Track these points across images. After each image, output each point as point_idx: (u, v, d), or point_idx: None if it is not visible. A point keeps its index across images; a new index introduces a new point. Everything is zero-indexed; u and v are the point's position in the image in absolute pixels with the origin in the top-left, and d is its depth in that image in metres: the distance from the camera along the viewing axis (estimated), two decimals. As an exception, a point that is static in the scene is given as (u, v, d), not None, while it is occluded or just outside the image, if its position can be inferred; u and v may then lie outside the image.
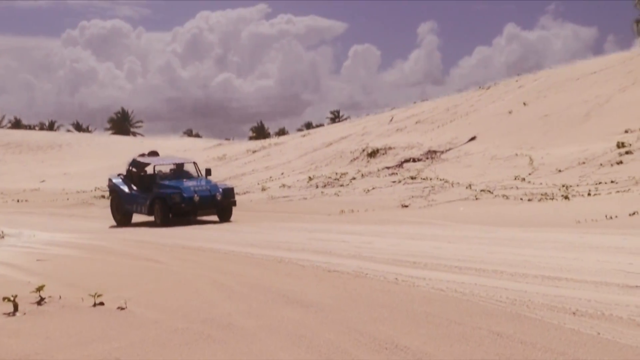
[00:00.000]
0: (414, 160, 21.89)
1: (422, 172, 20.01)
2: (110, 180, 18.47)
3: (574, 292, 6.20)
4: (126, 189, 17.73)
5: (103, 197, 23.90)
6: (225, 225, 15.75)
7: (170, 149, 40.79)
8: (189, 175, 17.63)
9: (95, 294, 6.63)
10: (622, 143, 18.05)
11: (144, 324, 5.87)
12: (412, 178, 19.25)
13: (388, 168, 21.57)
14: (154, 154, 18.92)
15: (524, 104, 25.76)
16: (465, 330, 5.14)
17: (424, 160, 21.83)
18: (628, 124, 19.54)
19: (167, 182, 16.99)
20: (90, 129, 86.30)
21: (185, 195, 16.25)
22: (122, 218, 17.75)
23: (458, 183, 17.63)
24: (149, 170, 17.96)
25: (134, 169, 18.09)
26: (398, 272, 7.48)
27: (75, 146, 54.22)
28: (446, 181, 18.09)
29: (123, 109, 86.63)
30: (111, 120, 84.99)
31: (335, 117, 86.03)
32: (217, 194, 16.46)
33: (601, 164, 17.11)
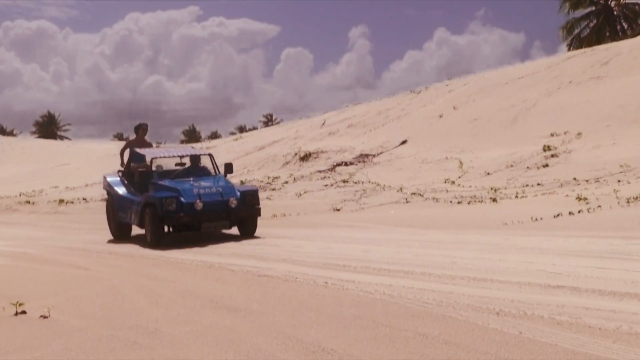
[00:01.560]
0: (346, 164, 22.02)
1: (354, 175, 20.13)
2: (105, 179, 13.90)
3: (498, 292, 6.32)
4: (121, 191, 13.10)
5: (28, 202, 23.25)
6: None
7: (99, 153, 40.03)
8: (203, 173, 12.68)
9: (17, 302, 6.46)
10: (548, 146, 18.51)
11: (67, 332, 5.75)
12: (344, 181, 19.35)
13: (320, 172, 21.62)
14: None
15: (454, 108, 26.19)
16: (391, 332, 5.19)
17: (356, 164, 21.96)
18: (554, 128, 20.05)
19: (166, 182, 12.09)
20: (15, 132, 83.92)
21: (183, 200, 11.39)
22: (117, 230, 13.28)
23: (389, 186, 17.80)
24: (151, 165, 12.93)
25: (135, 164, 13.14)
26: (328, 276, 7.50)
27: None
28: (378, 184, 18.24)
29: (49, 112, 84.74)
30: (37, 124, 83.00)
31: (268, 121, 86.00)
32: (232, 199, 11.58)
33: (528, 167, 17.51)
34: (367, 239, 10.65)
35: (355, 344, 4.93)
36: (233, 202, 11.57)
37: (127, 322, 5.99)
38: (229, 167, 12.79)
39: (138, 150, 13.29)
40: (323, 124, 31.34)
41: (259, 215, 12.05)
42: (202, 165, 13.10)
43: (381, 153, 22.89)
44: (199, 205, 11.38)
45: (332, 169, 21.74)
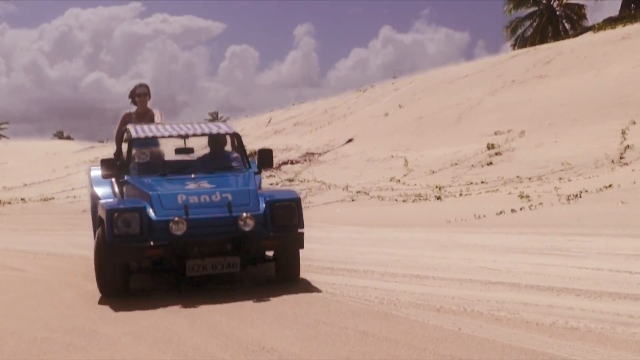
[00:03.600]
0: (292, 163, 21.98)
1: (300, 174, 20.11)
2: (89, 174, 8.93)
3: (439, 289, 6.35)
4: (102, 192, 8.23)
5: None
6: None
7: (38, 151, 39.18)
8: (224, 165, 7.73)
9: (-52, 305, 6.25)
10: (492, 145, 18.76)
11: (0, 335, 5.58)
12: (290, 180, 19.31)
13: (265, 170, 21.58)
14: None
15: (400, 106, 26.37)
16: (332, 330, 5.16)
17: (302, 162, 21.95)
18: (498, 126, 20.32)
19: (144, 181, 7.13)
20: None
21: (153, 215, 6.56)
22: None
23: (335, 185, 17.82)
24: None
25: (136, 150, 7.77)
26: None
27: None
28: (323, 183, 18.25)
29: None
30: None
31: (214, 119, 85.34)
32: (246, 214, 6.54)
33: (472, 165, 17.71)
34: (310, 237, 10.60)
35: (296, 342, 4.88)
36: (248, 221, 6.45)
37: (63, 324, 5.84)
38: (265, 156, 7.63)
39: (130, 127, 7.89)
40: (269, 122, 31.27)
41: (301, 245, 6.84)
42: (229, 152, 7.99)
43: (327, 152, 22.92)
44: (180, 226, 6.35)
45: (278, 167, 21.68)
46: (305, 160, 22.20)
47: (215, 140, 8.02)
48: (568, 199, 12.17)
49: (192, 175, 7.15)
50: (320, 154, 22.71)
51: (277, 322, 5.49)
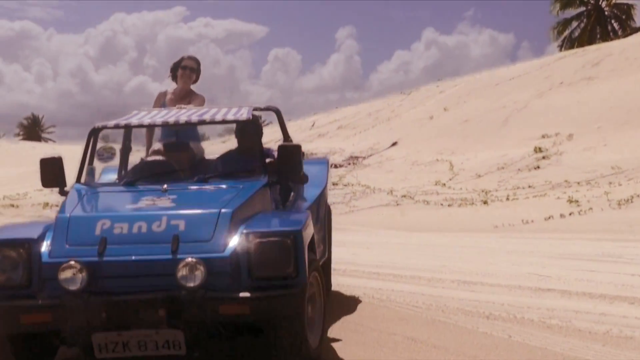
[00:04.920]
0: (335, 166, 21.95)
1: (344, 177, 20.06)
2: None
3: (488, 296, 6.27)
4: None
5: (12, 206, 23.11)
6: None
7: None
8: (233, 168, 5.20)
9: None
10: (539, 148, 18.51)
11: None
12: (334, 184, 19.27)
13: (311, 174, 21.59)
14: None
15: (445, 109, 26.19)
16: (380, 336, 5.12)
17: (346, 166, 21.91)
18: (545, 130, 20.05)
19: (95, 191, 4.93)
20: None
21: (47, 254, 4.10)
22: None
23: (380, 189, 17.74)
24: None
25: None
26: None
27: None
28: (368, 187, 18.18)
29: (33, 115, 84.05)
30: (21, 126, 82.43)
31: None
32: (191, 259, 3.94)
33: (519, 169, 17.49)
34: (356, 241, 10.58)
35: (344, 348, 4.85)
36: (193, 271, 3.96)
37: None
38: (286, 157, 5.00)
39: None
40: (312, 125, 31.31)
41: (298, 309, 4.14)
42: (255, 149, 5.25)
43: (371, 155, 22.85)
44: (75, 275, 3.98)
45: (323, 171, 21.68)
46: (350, 163, 22.16)
47: (239, 131, 5.62)
48: (619, 204, 11.94)
49: (164, 186, 4.61)
50: (364, 158, 22.65)
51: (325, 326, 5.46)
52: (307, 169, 5.68)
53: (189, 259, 3.93)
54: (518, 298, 6.09)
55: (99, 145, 5.21)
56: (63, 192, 5.04)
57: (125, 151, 5.85)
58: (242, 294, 3.98)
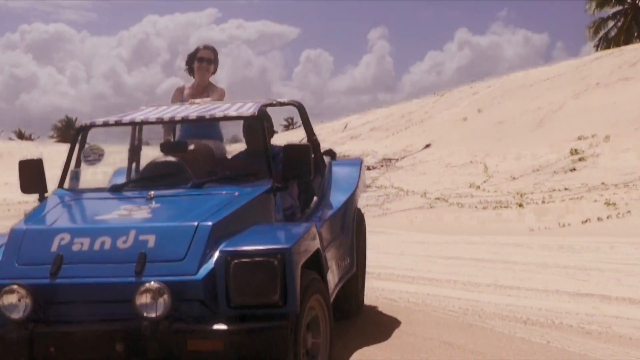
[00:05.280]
0: (368, 168, 21.91)
1: (377, 180, 20.01)
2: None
3: (525, 300, 6.19)
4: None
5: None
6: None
7: (117, 156, 40.14)
8: (235, 171, 4.79)
9: None
10: (575, 150, 18.28)
11: None
12: (367, 186, 19.26)
13: (344, 176, 21.56)
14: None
15: (479, 110, 26.00)
16: (416, 340, 5.08)
17: (379, 168, 21.86)
18: (581, 131, 19.80)
19: (76, 198, 4.33)
20: (32, 137, 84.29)
21: None
22: None
23: (413, 191, 17.67)
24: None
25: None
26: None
27: (17, 155, 52.89)
28: (401, 189, 18.11)
29: (67, 117, 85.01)
30: (55, 128, 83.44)
31: (289, 124, 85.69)
32: (153, 284, 3.30)
33: (555, 171, 17.29)
34: (389, 244, 10.55)
35: (380, 352, 4.83)
36: (155, 298, 3.31)
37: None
38: (293, 158, 4.28)
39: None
40: (345, 127, 31.30)
41: (287, 350, 3.37)
42: (264, 149, 4.53)
43: (404, 157, 22.77)
44: (18, 300, 3.35)
45: (356, 173, 21.66)
46: (382, 166, 22.11)
47: (245, 129, 5.15)
48: (657, 207, 11.75)
49: (151, 193, 4.04)
50: (397, 160, 22.58)
51: (360, 331, 5.44)
52: (336, 170, 5.63)
53: (151, 284, 3.27)
54: (556, 303, 6.01)
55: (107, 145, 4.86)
56: (43, 199, 4.37)
57: (134, 151, 5.33)
58: (215, 327, 3.30)
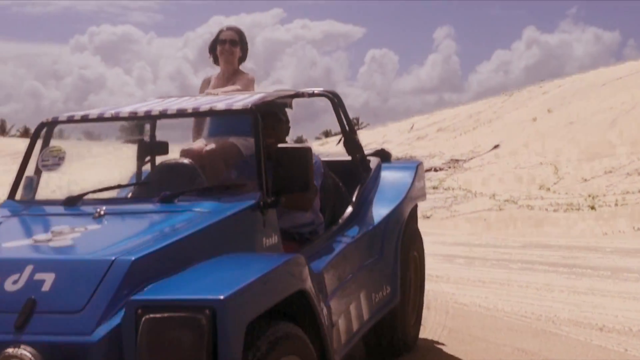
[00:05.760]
0: (435, 170, 21.73)
1: (444, 181, 19.82)
2: None
3: (600, 307, 6.06)
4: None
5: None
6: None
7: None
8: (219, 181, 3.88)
9: None
10: (649, 151, 17.78)
11: None
12: (434, 188, 19.09)
13: (410, 177, 21.41)
14: None
15: (548, 111, 25.52)
16: (489, 346, 5.04)
17: (446, 169, 21.65)
18: (655, 131, 19.26)
19: (19, 213, 3.41)
20: (101, 137, 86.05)
21: None
22: None
23: (481, 193, 17.44)
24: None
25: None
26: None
27: (86, 156, 54.27)
28: (469, 191, 17.90)
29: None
30: (123, 129, 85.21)
31: (355, 125, 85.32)
32: (15, 350, 2.32)
33: (628, 173, 16.83)
34: (457, 246, 10.45)
35: (451, 358, 4.80)
36: None
37: None
38: (286, 170, 3.38)
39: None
40: (411, 128, 31.12)
41: None
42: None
43: (472, 158, 22.51)
44: None
45: (422, 174, 21.49)
46: (450, 167, 21.90)
47: (238, 128, 4.34)
48: None
49: (100, 210, 3.19)
50: (465, 161, 22.33)
51: (431, 335, 5.42)
52: (385, 176, 4.86)
53: (18, 348, 2.32)
54: (633, 309, 5.87)
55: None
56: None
57: (144, 150, 4.74)
58: None
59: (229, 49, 5.16)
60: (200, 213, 3.15)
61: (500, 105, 29.58)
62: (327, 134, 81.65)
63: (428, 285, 7.15)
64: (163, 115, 3.73)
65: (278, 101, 4.13)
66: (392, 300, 4.44)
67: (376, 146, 28.62)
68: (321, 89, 4.73)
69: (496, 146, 23.31)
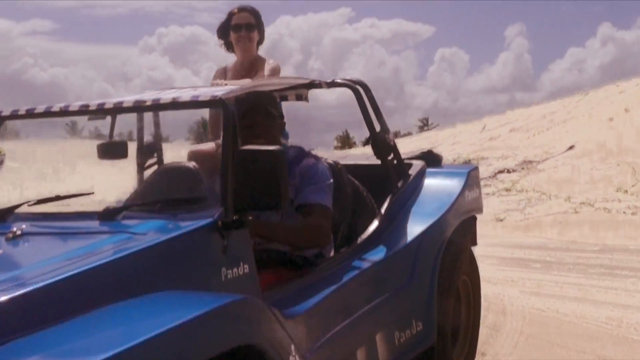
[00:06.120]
0: (508, 171, 21.39)
1: (518, 183, 19.49)
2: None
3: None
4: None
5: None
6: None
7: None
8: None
9: None
10: None
11: None
12: (507, 190, 18.79)
13: (481, 179, 21.14)
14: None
15: (626, 110, 24.85)
16: (569, 354, 4.94)
17: (519, 171, 21.28)
18: None
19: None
20: (169, 139, 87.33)
21: None
22: None
23: (556, 195, 17.09)
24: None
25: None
26: (492, 291, 7.26)
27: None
28: (543, 193, 17.55)
29: (203, 118, 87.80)
30: (192, 130, 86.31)
31: (424, 125, 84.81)
32: None
33: None
34: (534, 249, 10.27)
35: (530, 365, 4.73)
36: None
37: None
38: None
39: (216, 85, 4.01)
40: (483, 128, 30.72)
41: None
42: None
43: (546, 159, 22.07)
44: None
45: (494, 176, 21.20)
46: (523, 168, 21.53)
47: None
48: None
49: (18, 230, 2.63)
50: (539, 162, 21.92)
51: (508, 341, 5.34)
52: (430, 183, 4.08)
53: None
54: None
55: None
56: None
57: (147, 151, 4.09)
58: None
59: (246, 35, 4.49)
60: (134, 236, 2.49)
61: (575, 105, 28.94)
62: (395, 134, 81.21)
63: (504, 290, 7.08)
64: (118, 109, 3.12)
65: (269, 92, 3.45)
66: (424, 341, 3.64)
67: (447, 146, 28.26)
68: (348, 78, 3.90)
69: (571, 147, 22.82)
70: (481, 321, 5.64)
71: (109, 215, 2.70)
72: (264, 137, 3.19)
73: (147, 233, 2.49)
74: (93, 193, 3.34)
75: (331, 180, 3.37)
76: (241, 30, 4.45)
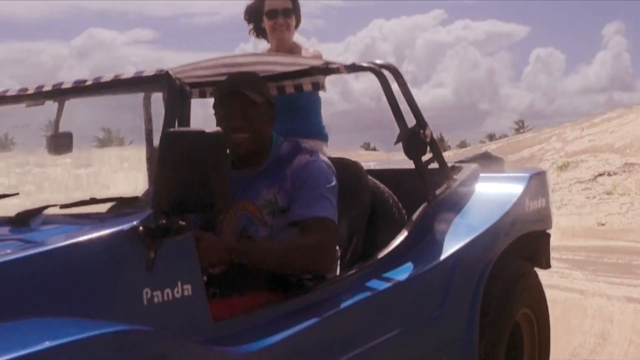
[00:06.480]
0: (609, 174, 20.75)
1: (619, 186, 18.86)
2: None
3: None
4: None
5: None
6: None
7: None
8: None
9: None
10: None
11: None
12: (608, 194, 18.23)
13: (580, 182, 20.57)
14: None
15: None
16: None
17: (621, 174, 20.59)
18: None
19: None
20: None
21: None
22: None
23: (661, 198, 16.48)
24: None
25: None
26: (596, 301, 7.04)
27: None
28: (647, 196, 16.95)
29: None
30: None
31: (520, 127, 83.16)
32: None
33: None
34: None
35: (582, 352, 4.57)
36: None
37: None
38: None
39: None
40: (582, 130, 29.88)
41: None
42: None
43: (649, 161, 21.30)
44: None
45: (594, 179, 20.60)
46: (625, 171, 20.82)
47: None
48: None
49: None
50: (641, 164, 21.16)
51: (617, 351, 5.18)
52: (482, 190, 3.33)
53: None
54: None
55: None
56: None
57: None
58: None
59: (284, 22, 3.83)
60: (32, 246, 1.94)
61: (679, 105, 27.81)
62: (491, 137, 79.89)
63: (608, 298, 6.86)
64: (57, 91, 2.56)
65: (253, 73, 2.79)
66: None
67: (553, 151, 27.47)
68: (378, 61, 3.16)
69: (676, 149, 21.95)
70: (587, 330, 5.52)
71: (21, 220, 2.20)
72: (247, 130, 2.58)
73: (45, 241, 1.94)
74: (18, 194, 2.71)
75: (333, 183, 2.62)
76: (277, 16, 3.79)
